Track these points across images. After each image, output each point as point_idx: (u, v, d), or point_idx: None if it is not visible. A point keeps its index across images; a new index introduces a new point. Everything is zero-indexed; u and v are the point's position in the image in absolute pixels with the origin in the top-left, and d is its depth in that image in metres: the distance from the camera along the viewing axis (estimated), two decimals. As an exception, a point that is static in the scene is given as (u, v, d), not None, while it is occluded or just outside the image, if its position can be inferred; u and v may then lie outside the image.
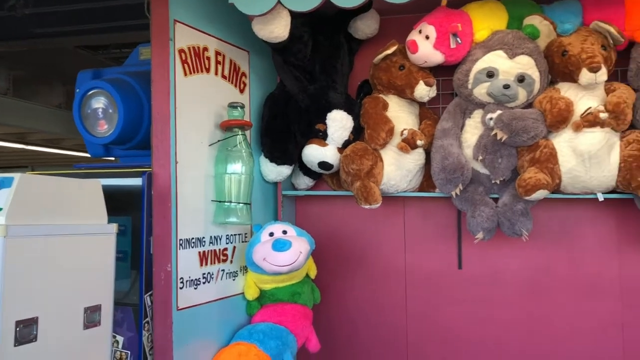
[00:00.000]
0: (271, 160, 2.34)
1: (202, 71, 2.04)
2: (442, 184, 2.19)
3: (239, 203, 2.05)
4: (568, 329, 2.44)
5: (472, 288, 2.53)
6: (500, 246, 2.47)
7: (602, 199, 2.17)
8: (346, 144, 2.31)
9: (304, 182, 2.55)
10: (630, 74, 2.21)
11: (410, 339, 2.58)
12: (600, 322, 2.42)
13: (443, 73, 2.38)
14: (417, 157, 2.30)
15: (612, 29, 2.08)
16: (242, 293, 2.23)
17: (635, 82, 2.19)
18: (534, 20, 2.24)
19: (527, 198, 2.09)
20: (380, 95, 2.37)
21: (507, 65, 2.17)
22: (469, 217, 2.23)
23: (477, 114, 2.26)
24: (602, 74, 2.08)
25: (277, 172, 2.35)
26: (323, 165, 2.30)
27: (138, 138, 2.21)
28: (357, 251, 2.64)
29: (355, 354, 2.61)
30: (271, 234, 2.13)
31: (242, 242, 2.25)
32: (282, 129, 2.34)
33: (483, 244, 2.31)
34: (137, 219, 1.94)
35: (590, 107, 2.09)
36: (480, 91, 2.21)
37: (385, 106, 2.33)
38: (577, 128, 2.09)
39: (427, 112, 2.44)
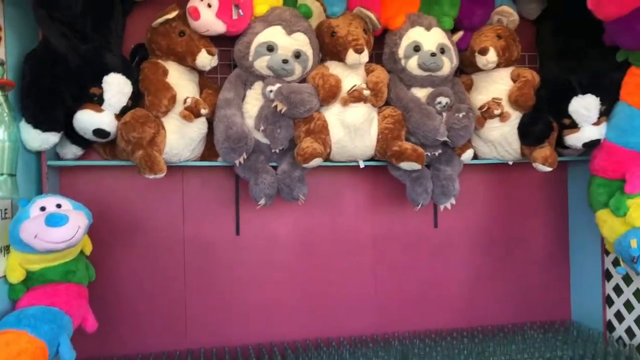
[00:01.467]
0: (35, 126, 2.07)
1: (-52, 17, 1.71)
2: (226, 152, 2.24)
3: (3, 174, 1.79)
4: (334, 282, 2.74)
5: (250, 253, 2.65)
6: (274, 212, 2.64)
7: (363, 166, 2.46)
8: (124, 110, 2.18)
9: (72, 151, 2.33)
10: (384, 57, 2.53)
11: (190, 308, 2.59)
12: (359, 273, 2.77)
13: (221, 43, 2.40)
14: (200, 126, 2.29)
15: (372, 15, 2.36)
16: (4, 276, 1.96)
17: (388, 65, 2.52)
18: (307, 0, 2.41)
19: (304, 166, 2.26)
20: (159, 61, 2.29)
21: (285, 41, 2.29)
22: (252, 184, 2.31)
23: (258, 86, 2.35)
24: (365, 56, 2.35)
25: (42, 139, 2.10)
26: (99, 132, 2.13)
27: None
28: (133, 224, 2.53)
29: (133, 328, 2.52)
30: (42, 209, 1.91)
31: (2, 218, 1.97)
32: (48, 91, 2.08)
33: (258, 210, 2.44)
34: None
35: (355, 85, 2.34)
36: (261, 64, 2.30)
37: (165, 73, 2.26)
38: (345, 103, 2.33)
39: (207, 81, 2.44)
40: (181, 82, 2.30)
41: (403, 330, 2.78)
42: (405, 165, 2.36)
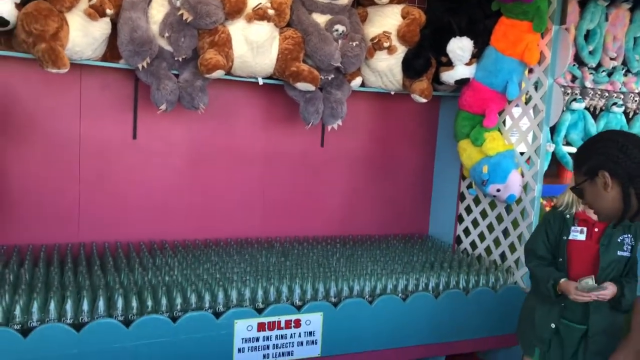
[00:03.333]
0: None
1: None
2: (130, 55, 2.29)
3: None
4: (225, 189, 2.94)
5: (145, 157, 2.76)
6: (172, 119, 2.75)
7: (262, 83, 2.63)
8: (25, 0, 2.15)
9: (-38, 38, 2.26)
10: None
11: (84, 204, 2.68)
12: (248, 182, 3.00)
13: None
14: (104, 26, 2.30)
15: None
16: None
17: (292, -12, 2.65)
18: None
19: (207, 76, 2.39)
20: (64, -46, 2.25)
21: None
22: (154, 89, 2.40)
23: (164, -8, 2.40)
24: (272, -23, 2.46)
25: None
26: (-3, 20, 2.10)
27: None
28: (28, 118, 2.52)
29: (26, 220, 2.57)
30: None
31: None
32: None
33: (156, 117, 2.55)
34: None
35: (260, 3, 2.47)
36: (169, -30, 2.34)
37: (70, -33, 2.23)
38: (250, 19, 2.45)
39: (113, -19, 2.43)
40: (85, -21, 2.28)
41: (285, 235, 3.08)
42: (301, 85, 2.56)
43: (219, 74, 2.39)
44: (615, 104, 3.41)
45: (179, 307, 2.15)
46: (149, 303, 2.11)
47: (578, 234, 2.11)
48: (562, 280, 2.04)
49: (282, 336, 2.29)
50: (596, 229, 2.09)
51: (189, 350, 2.14)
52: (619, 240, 2.07)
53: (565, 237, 2.12)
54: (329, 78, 2.71)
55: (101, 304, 2.03)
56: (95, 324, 1.98)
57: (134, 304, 2.09)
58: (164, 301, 2.13)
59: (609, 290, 1.97)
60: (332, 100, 2.71)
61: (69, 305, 1.99)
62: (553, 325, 2.10)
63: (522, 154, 2.87)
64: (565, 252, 2.10)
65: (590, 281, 1.97)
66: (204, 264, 2.52)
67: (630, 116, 3.67)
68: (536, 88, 2.75)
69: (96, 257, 2.52)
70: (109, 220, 2.73)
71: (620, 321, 2.08)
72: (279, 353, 2.30)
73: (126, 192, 2.75)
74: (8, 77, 2.46)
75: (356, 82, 2.81)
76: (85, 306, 2.01)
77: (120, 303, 2.06)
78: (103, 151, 2.68)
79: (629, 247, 2.07)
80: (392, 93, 2.94)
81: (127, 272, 2.35)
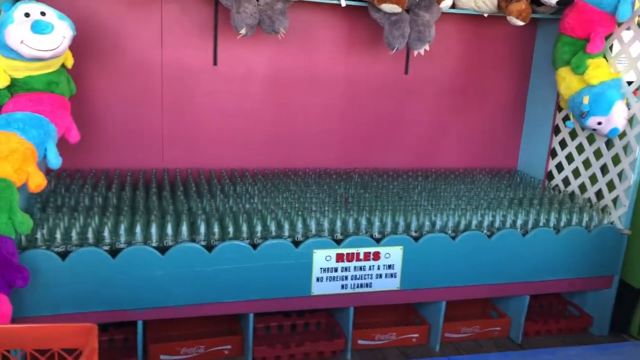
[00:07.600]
0: None
1: None
2: (210, -24, 2.21)
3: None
4: (304, 116, 2.88)
5: (226, 84, 2.73)
6: (251, 44, 2.67)
7: (344, 5, 2.48)
8: None
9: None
10: None
11: (167, 131, 2.71)
12: (328, 110, 2.91)
13: None
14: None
15: None
16: (-13, 84, 2.00)
17: None
18: None
19: (288, -3, 2.28)
20: None
21: None
22: (233, 13, 2.32)
23: None
24: None
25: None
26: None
27: None
28: (111, 44, 2.54)
29: (111, 145, 2.65)
30: (27, 15, 1.90)
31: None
32: None
33: (236, 43, 2.49)
34: None
35: None
36: None
37: None
38: None
39: None
40: None
41: (363, 167, 3.00)
42: (387, 7, 2.40)
43: (300, -6, 2.28)
44: None
45: (259, 234, 2.16)
46: (230, 229, 2.13)
47: None
48: None
49: (360, 267, 2.26)
50: None
51: (268, 277, 2.16)
52: None
53: None
54: (417, -1, 2.52)
55: (184, 229, 2.07)
56: (178, 248, 2.03)
57: (216, 229, 2.11)
58: (244, 228, 2.15)
59: None
60: (419, 22, 2.53)
61: (153, 229, 2.04)
62: None
63: (629, 83, 2.59)
64: None
65: None
66: (282, 193, 2.50)
67: None
68: (653, 8, 2.44)
69: (179, 182, 2.57)
70: (191, 146, 2.75)
71: None
72: (358, 284, 2.28)
73: (208, 119, 2.75)
74: (90, 0, 2.46)
75: (446, 3, 2.59)
76: (169, 230, 2.06)
77: (202, 228, 2.10)
78: (184, 77, 2.67)
79: None
80: (486, 15, 2.71)
81: (209, 198, 2.37)
